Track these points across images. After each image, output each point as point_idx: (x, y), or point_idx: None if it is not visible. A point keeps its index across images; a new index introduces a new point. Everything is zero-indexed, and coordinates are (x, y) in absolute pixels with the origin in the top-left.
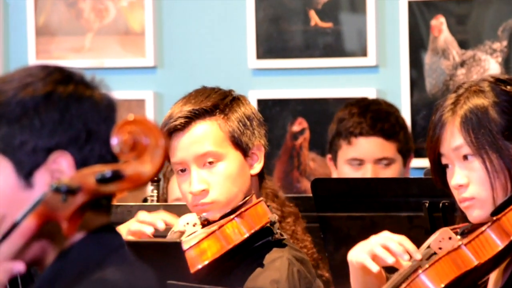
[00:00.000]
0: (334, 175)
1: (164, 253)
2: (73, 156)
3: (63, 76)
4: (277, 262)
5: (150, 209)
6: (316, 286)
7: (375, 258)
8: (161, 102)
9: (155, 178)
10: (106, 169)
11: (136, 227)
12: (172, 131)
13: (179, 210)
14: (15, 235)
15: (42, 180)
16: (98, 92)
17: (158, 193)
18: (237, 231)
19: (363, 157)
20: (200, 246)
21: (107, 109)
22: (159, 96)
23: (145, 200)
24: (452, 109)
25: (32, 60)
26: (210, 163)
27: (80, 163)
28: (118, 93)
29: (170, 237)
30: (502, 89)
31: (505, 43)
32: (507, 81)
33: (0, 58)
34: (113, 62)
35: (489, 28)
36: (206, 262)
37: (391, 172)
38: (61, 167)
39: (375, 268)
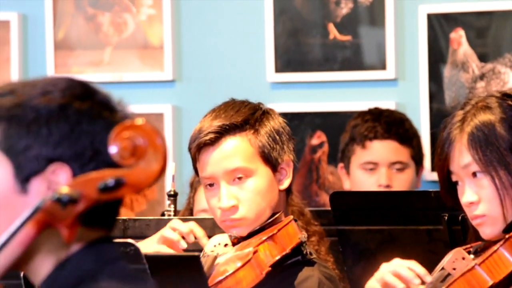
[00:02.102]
0: (346, 184)
1: (182, 266)
2: (73, 171)
3: (84, 91)
4: (307, 282)
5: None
6: None
7: (386, 286)
8: (179, 115)
9: (171, 193)
10: (108, 177)
11: (169, 234)
12: (202, 145)
13: (200, 224)
14: (13, 244)
15: (38, 188)
16: (119, 116)
17: (175, 207)
18: (269, 253)
19: (377, 161)
20: (236, 276)
21: None
22: (178, 110)
23: (163, 214)
24: (460, 127)
25: (51, 74)
26: (240, 178)
27: None
28: (136, 107)
29: (204, 261)
30: (509, 105)
31: None
32: None
33: (19, 72)
34: (131, 76)
35: (508, 41)
36: None
37: (405, 177)
38: (58, 179)
39: None
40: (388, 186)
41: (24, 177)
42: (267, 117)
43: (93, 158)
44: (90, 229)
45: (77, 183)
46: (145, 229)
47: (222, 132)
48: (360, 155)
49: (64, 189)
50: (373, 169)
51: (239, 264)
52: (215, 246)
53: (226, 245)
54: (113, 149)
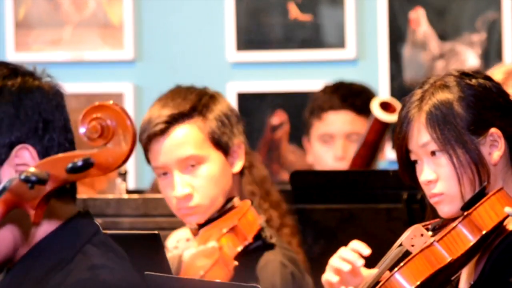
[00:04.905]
0: (310, 158)
1: (143, 244)
2: (34, 148)
3: (9, 70)
4: (269, 267)
5: (129, 203)
6: (306, 282)
7: (337, 272)
8: (140, 95)
9: (123, 172)
10: (77, 158)
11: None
12: (152, 136)
13: (158, 203)
14: None
15: (8, 175)
16: (45, 81)
17: (126, 185)
18: (232, 245)
19: (332, 132)
20: (206, 278)
21: (56, 97)
22: (138, 89)
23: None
24: (418, 106)
25: (11, 53)
26: (193, 166)
27: (43, 154)
28: (97, 86)
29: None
30: (467, 83)
31: (483, 35)
32: (472, 75)
33: None
34: (92, 55)
35: (467, 21)
36: None
37: None
38: (24, 160)
39: (334, 278)
40: (343, 158)
41: None
42: (214, 102)
43: (46, 128)
44: (60, 205)
45: (45, 164)
46: (105, 208)
47: (171, 122)
48: (318, 128)
49: (32, 169)
50: (330, 141)
51: (207, 263)
52: (177, 241)
53: (188, 239)
54: (81, 130)
